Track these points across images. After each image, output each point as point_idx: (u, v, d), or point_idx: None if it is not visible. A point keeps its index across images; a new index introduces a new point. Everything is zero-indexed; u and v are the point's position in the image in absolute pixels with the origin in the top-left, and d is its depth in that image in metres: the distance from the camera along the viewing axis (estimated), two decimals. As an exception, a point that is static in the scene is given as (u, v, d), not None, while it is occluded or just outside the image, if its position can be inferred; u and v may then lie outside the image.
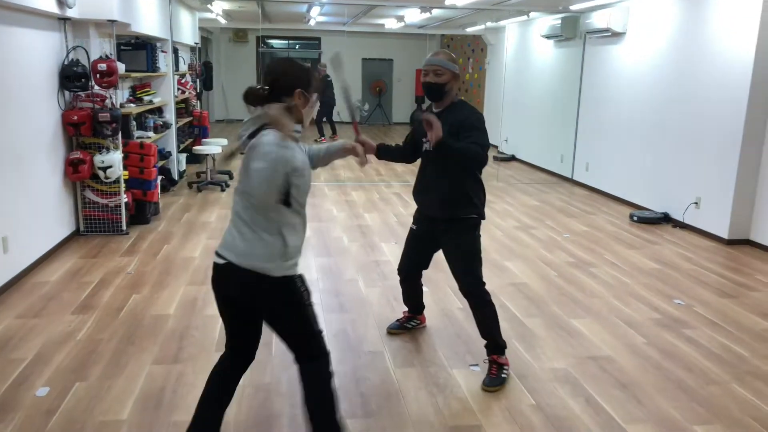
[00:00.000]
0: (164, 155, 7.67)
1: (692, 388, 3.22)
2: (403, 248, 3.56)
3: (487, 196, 3.35)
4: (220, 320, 3.59)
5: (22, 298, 4.19)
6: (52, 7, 4.74)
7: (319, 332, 2.29)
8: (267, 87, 2.13)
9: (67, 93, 5.36)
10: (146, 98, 7.23)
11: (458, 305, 4.22)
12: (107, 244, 5.42)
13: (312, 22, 12.30)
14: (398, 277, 3.65)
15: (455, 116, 3.03)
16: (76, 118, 5.27)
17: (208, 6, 9.34)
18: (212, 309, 4.04)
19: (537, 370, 3.37)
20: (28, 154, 4.72)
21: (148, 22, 6.73)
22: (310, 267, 4.93)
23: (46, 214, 5.02)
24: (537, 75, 10.46)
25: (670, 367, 3.43)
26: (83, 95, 5.39)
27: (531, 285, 4.68)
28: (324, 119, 13.54)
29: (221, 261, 2.18)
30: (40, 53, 4.92)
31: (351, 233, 5.97)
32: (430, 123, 2.73)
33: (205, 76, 14.02)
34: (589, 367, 3.42)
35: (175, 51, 8.59)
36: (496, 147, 12.29)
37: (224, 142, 8.79)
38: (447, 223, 3.19)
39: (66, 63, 5.23)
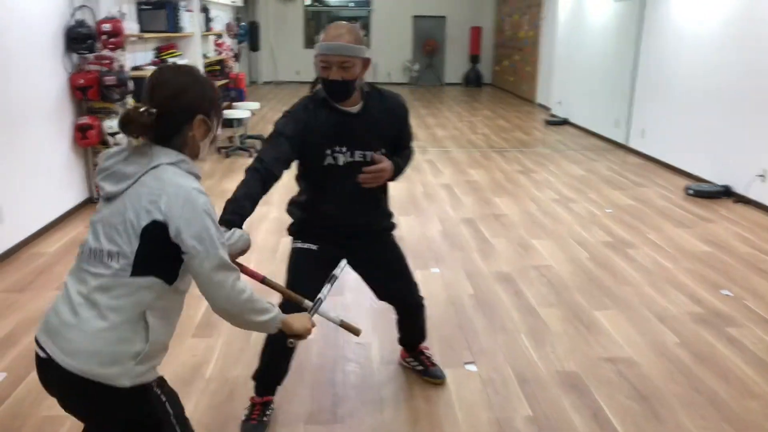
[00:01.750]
0: (191, 119, 7.45)
1: (726, 402, 2.73)
2: (292, 276, 2.41)
3: (529, 164, 2.86)
4: (200, 301, 3.37)
5: (14, 270, 4.06)
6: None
7: None
8: (154, 110, 1.48)
9: (75, 56, 5.15)
10: (170, 60, 7.00)
11: (469, 291, 3.81)
12: (117, 213, 5.25)
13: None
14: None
15: (384, 114, 2.34)
16: (82, 81, 5.07)
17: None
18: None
19: (542, 372, 2.95)
20: (29, 119, 4.55)
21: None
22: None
23: (50, 181, 4.87)
24: (593, 33, 9.63)
25: (703, 375, 2.94)
26: (91, 57, 5.17)
27: (556, 268, 4.21)
28: None
29: (42, 353, 1.49)
30: (43, 13, 4.72)
31: (370, 205, 5.60)
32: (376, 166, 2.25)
33: (251, 36, 13.82)
34: (605, 370, 2.97)
35: (205, 10, 8.32)
36: (548, 109, 11.56)
37: (256, 105, 8.52)
38: (375, 235, 2.55)
39: (71, 24, 5.01)
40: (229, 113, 7.68)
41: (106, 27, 5.03)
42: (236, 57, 10.27)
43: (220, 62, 9.26)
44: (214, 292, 1.50)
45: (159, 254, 1.46)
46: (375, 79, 14.56)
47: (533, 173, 6.76)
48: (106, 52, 5.17)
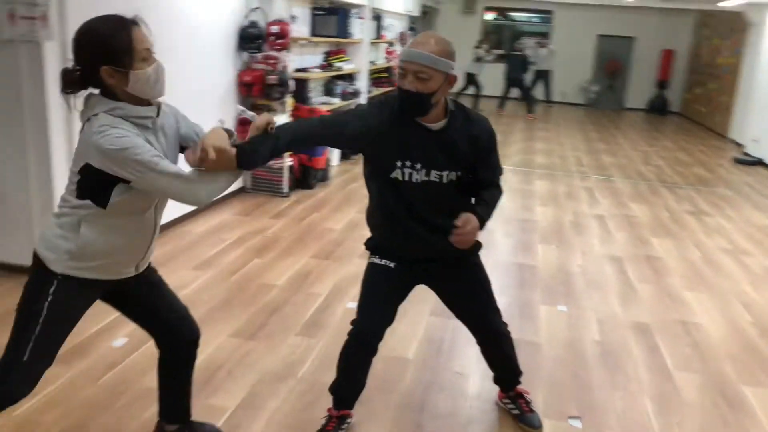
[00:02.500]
0: (350, 122, 7.65)
1: None
2: (365, 292, 2.32)
3: (703, 205, 2.51)
4: (318, 300, 3.47)
5: (160, 246, 4.38)
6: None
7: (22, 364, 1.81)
8: (78, 68, 1.70)
9: (245, 54, 5.50)
10: (336, 64, 7.24)
11: (595, 337, 3.43)
12: (264, 205, 5.52)
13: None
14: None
15: (463, 135, 2.12)
16: (248, 78, 5.39)
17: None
18: (321, 286, 3.83)
19: (660, 447, 2.54)
20: (200, 108, 4.89)
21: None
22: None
23: (209, 168, 5.22)
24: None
25: None
26: (259, 57, 5.49)
27: (707, 328, 3.65)
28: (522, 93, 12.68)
29: None
30: (224, 13, 5.09)
31: (509, 227, 5.32)
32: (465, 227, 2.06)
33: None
34: (742, 461, 2.49)
35: (377, 18, 8.51)
36: (741, 147, 10.31)
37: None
38: (454, 259, 2.29)
39: (244, 24, 5.35)
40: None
41: (275, 29, 5.31)
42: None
43: (388, 69, 9.43)
44: (173, 196, 1.85)
45: (91, 185, 1.76)
46: (548, 97, 14.05)
47: (705, 216, 6.01)
48: (272, 53, 5.45)
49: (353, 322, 2.31)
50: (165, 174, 1.75)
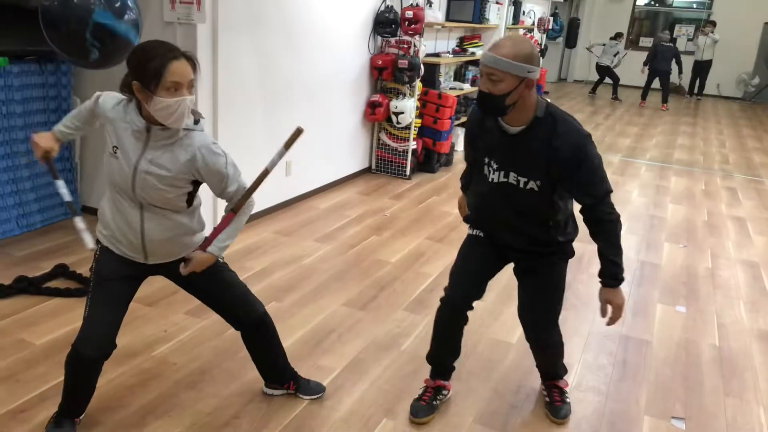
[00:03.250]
0: (479, 109, 7.65)
1: None
2: (457, 267, 2.43)
3: None
4: (428, 280, 3.72)
5: (289, 218, 4.72)
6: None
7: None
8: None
9: (379, 38, 5.69)
10: (470, 50, 7.26)
11: (713, 342, 3.26)
12: (386, 186, 5.71)
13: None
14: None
15: (544, 144, 2.04)
16: (380, 62, 5.58)
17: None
18: (431, 267, 3.95)
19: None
20: (333, 89, 5.20)
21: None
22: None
23: (338, 147, 5.51)
24: None
25: None
26: (393, 41, 5.66)
27: None
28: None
29: None
30: (359, 0, 5.32)
31: (634, 224, 5.11)
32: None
33: (569, 33, 13.53)
34: None
35: (517, 3, 8.38)
36: None
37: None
38: (535, 255, 2.32)
39: (381, 9, 5.53)
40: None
41: (409, 14, 5.43)
42: (542, 52, 10.16)
43: (524, 56, 9.27)
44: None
45: None
46: (701, 90, 13.10)
47: None
48: (406, 37, 5.59)
49: (445, 289, 2.43)
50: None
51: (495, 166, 2.18)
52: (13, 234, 3.84)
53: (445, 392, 2.60)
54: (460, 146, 7.18)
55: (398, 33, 5.57)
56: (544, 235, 2.24)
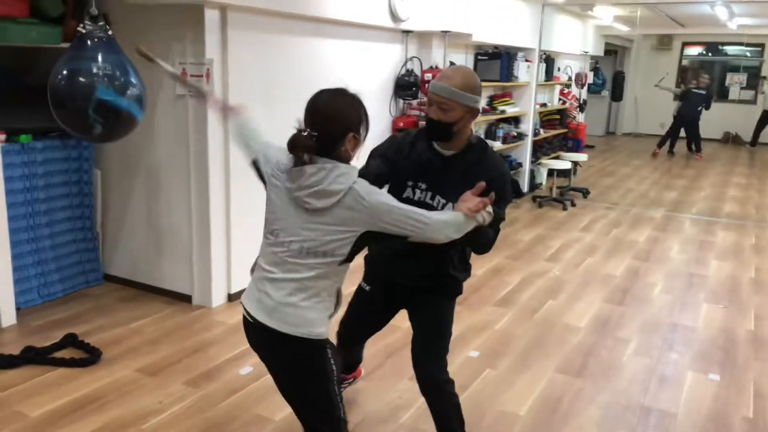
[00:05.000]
0: (513, 166, 7.55)
1: None
2: (348, 317, 2.63)
3: None
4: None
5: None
6: (387, 22, 5.11)
7: None
8: (315, 133, 1.80)
9: (401, 101, 5.73)
10: (500, 108, 7.22)
11: (747, 414, 2.96)
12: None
13: (734, 26, 10.35)
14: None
15: (475, 168, 2.17)
16: (402, 124, 5.59)
17: (589, 12, 8.76)
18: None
19: None
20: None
21: (501, 32, 6.69)
22: (585, 313, 4.17)
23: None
24: None
25: None
26: (414, 103, 5.69)
27: None
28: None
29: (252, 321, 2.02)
30: (383, 64, 5.40)
31: (673, 282, 4.81)
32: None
33: (614, 86, 13.37)
34: None
35: (549, 60, 8.34)
36: None
37: (583, 157, 8.18)
38: (429, 292, 2.39)
39: (401, 73, 5.59)
40: (551, 163, 7.54)
41: (428, 76, 5.47)
42: (581, 107, 10.02)
43: (561, 111, 9.16)
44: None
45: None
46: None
47: None
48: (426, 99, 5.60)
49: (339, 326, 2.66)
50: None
51: (423, 187, 2.25)
52: (35, 303, 3.94)
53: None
54: (492, 205, 7.06)
55: (419, 95, 5.60)
56: (439, 264, 2.30)
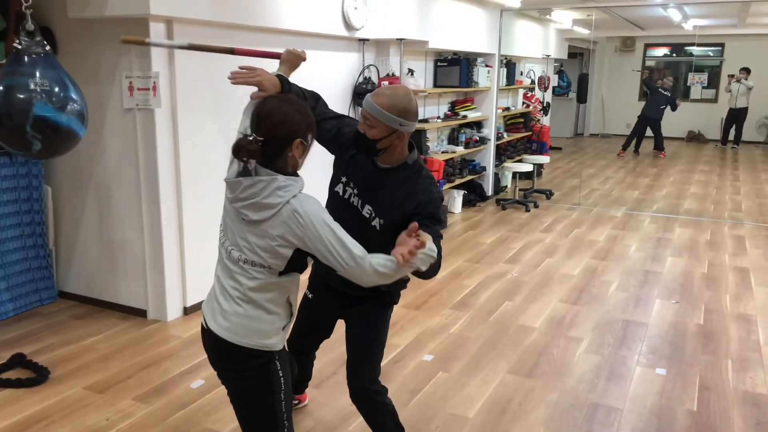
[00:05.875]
0: (477, 170, 7.62)
1: None
2: (296, 320, 2.51)
3: None
4: (395, 351, 3.74)
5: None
6: (341, 31, 5.14)
7: None
8: (261, 139, 1.77)
9: (359, 109, 5.76)
10: (462, 113, 7.29)
11: (690, 407, 3.02)
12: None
13: (689, 27, 10.56)
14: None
15: (406, 186, 2.15)
16: (362, 131, 5.62)
17: (548, 16, 8.89)
18: (400, 339, 3.82)
19: None
20: (313, 163, 5.19)
21: (459, 38, 6.77)
22: (540, 314, 4.21)
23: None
24: None
25: None
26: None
27: None
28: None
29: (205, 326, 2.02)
30: (340, 72, 5.42)
31: (628, 279, 4.89)
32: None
33: (580, 88, 13.55)
34: None
35: (510, 64, 8.45)
36: None
37: (545, 159, 8.27)
38: (359, 300, 2.35)
39: (359, 81, 5.62)
40: (513, 166, 7.62)
41: (385, 84, 5.51)
42: (544, 110, 10.15)
43: (525, 114, 9.27)
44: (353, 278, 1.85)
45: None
46: (738, 140, 12.81)
47: None
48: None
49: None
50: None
51: (354, 192, 2.24)
52: (-15, 323, 3.89)
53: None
54: (454, 208, 7.11)
55: (377, 102, 5.63)
56: None
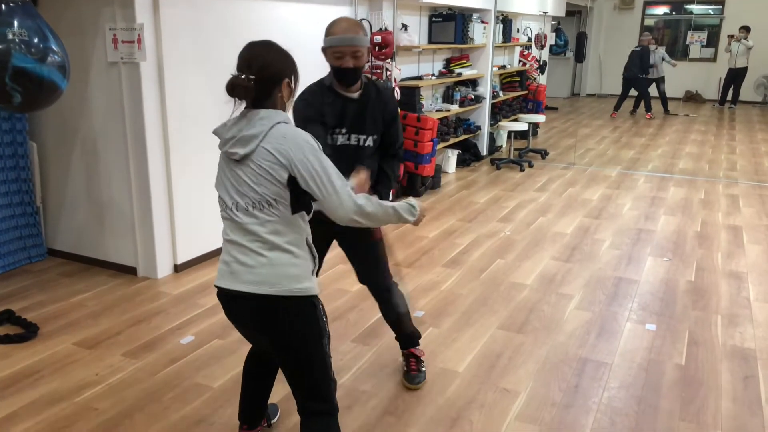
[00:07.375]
0: (472, 130, 7.53)
1: None
2: None
3: None
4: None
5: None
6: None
7: None
8: (252, 77, 1.80)
9: (351, 64, 5.65)
10: (457, 71, 7.17)
11: (679, 361, 3.04)
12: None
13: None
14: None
15: (376, 101, 2.50)
16: (353, 88, 5.53)
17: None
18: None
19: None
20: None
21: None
22: (532, 271, 4.21)
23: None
24: None
25: None
26: (365, 67, 5.60)
27: (834, 360, 3.06)
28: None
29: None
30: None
31: (621, 238, 4.88)
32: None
33: (577, 47, 13.35)
34: None
35: (506, 21, 8.29)
36: None
37: (540, 118, 8.18)
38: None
39: (350, 36, 5.50)
40: (508, 125, 7.53)
41: (377, 39, 5.38)
42: (541, 69, 10.00)
43: (521, 73, 9.13)
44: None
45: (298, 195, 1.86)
46: (735, 100, 12.69)
47: None
48: (378, 62, 5.54)
49: None
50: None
51: (342, 131, 2.44)
52: (-26, 281, 3.86)
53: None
54: (448, 168, 7.06)
55: (369, 59, 5.52)
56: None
